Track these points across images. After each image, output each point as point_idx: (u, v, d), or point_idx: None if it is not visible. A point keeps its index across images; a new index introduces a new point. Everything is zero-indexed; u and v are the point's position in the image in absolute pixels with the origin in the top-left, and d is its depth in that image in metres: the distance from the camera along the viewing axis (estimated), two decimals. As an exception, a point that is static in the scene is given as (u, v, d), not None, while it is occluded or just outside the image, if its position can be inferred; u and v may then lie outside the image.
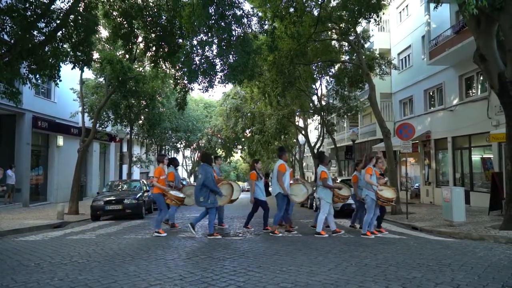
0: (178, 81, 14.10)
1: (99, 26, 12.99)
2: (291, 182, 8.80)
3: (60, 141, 19.97)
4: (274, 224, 8.24)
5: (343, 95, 21.65)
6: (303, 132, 29.32)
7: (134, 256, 5.53)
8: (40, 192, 19.24)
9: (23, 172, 16.57)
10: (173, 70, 15.14)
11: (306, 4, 15.04)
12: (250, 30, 12.69)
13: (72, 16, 9.64)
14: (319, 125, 28.62)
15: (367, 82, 15.49)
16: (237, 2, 11.23)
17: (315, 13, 15.18)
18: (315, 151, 26.71)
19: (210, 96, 66.36)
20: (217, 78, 12.52)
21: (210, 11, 10.71)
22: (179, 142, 33.98)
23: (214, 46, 12.16)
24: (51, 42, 9.48)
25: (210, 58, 12.07)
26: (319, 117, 26.27)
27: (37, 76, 9.75)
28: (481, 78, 14.96)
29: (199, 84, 12.72)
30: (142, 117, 22.20)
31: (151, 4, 12.16)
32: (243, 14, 11.61)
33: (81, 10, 10.07)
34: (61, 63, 9.97)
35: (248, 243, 6.93)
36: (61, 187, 19.37)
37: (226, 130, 34.33)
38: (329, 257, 5.47)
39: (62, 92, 19.14)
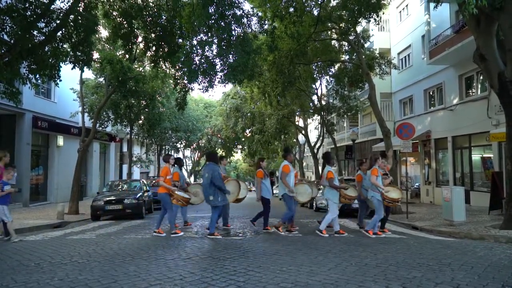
0: (178, 81, 14.10)
1: (99, 26, 13.00)
2: (296, 182, 8.80)
3: (60, 141, 19.97)
4: (281, 221, 8.34)
5: (343, 94, 21.65)
6: (303, 132, 29.32)
7: (134, 256, 5.53)
8: (40, 192, 19.22)
9: (23, 172, 16.54)
10: (173, 70, 15.13)
11: (306, 4, 15.04)
12: (250, 30, 12.69)
13: (72, 16, 9.65)
14: (319, 125, 28.62)
15: (367, 81, 15.49)
16: (237, 2, 11.22)
17: (315, 13, 15.18)
18: (315, 150, 26.74)
19: (210, 96, 66.52)
20: (217, 78, 12.52)
21: (210, 11, 10.71)
22: (179, 142, 33.97)
23: (214, 46, 12.17)
24: (51, 42, 9.49)
25: (210, 58, 12.06)
26: (319, 117, 26.27)
27: (37, 76, 9.75)
28: (481, 77, 14.95)
29: (199, 84, 12.74)
30: (142, 117, 22.19)
31: (151, 4, 12.17)
32: (243, 14, 11.61)
33: (81, 10, 10.08)
34: (61, 63, 9.97)
35: (248, 243, 6.93)
36: (61, 187, 19.37)
37: (226, 130, 34.33)
38: (329, 256, 5.48)
39: (62, 92, 19.14)
